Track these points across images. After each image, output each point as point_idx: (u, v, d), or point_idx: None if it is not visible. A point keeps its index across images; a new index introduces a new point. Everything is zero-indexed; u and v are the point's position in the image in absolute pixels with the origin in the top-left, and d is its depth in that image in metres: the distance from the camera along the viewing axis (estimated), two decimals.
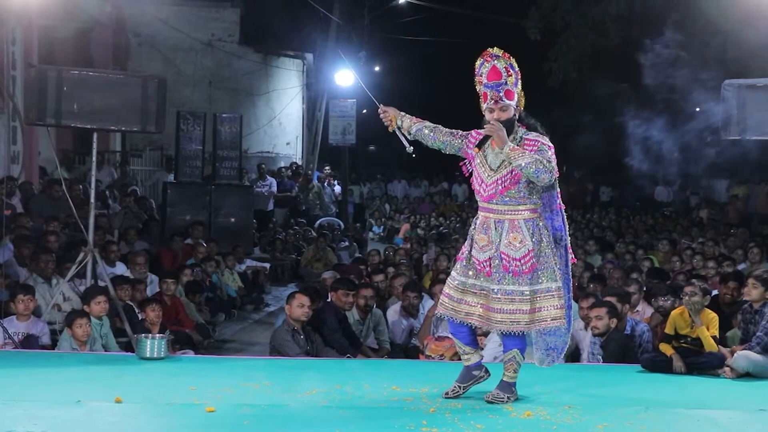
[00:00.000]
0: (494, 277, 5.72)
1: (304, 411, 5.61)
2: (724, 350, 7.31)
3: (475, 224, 5.90)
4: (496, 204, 5.77)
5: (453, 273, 5.93)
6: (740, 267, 12.12)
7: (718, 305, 8.74)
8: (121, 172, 18.35)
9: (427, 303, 9.53)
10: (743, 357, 7.04)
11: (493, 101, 5.75)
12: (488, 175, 5.79)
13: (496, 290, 5.69)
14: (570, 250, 6.01)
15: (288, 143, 25.60)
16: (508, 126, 5.73)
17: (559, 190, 5.94)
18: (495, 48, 5.83)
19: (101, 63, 18.39)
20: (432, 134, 6.03)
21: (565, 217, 5.99)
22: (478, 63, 5.83)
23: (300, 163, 24.28)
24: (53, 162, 12.56)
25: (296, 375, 6.76)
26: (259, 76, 24.39)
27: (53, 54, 16.19)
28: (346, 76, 23.24)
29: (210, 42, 22.80)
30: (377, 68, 29.17)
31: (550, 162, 5.63)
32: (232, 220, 15.66)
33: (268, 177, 19.67)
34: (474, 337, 6.09)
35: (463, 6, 24.65)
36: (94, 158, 9.21)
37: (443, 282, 6.43)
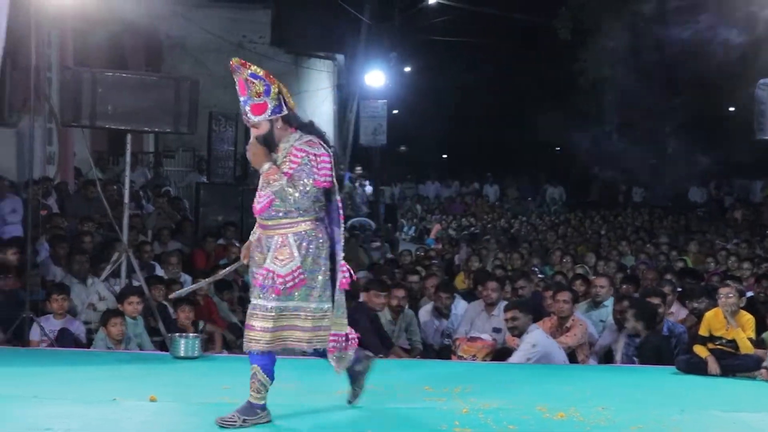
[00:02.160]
0: (252, 291, 5.34)
1: (335, 411, 5.63)
2: (760, 352, 7.25)
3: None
4: (264, 219, 5.33)
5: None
6: None
7: (753, 306, 8.66)
8: (155, 173, 18.46)
9: (459, 303, 9.52)
10: None
11: (244, 118, 5.36)
12: (258, 187, 5.37)
13: (252, 305, 5.28)
14: (343, 270, 5.43)
15: None
16: (268, 141, 5.26)
17: (338, 197, 5.46)
18: (234, 59, 5.37)
19: (134, 65, 18.52)
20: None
21: (340, 230, 5.45)
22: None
23: None
24: (88, 163, 12.66)
25: (327, 375, 6.76)
26: (290, 77, 24.40)
27: (88, 56, 16.31)
28: (376, 77, 23.25)
29: (241, 43, 22.86)
30: (407, 69, 29.16)
31: (297, 188, 5.18)
32: None
33: None
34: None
35: (493, 6, 24.59)
36: (128, 159, 9.28)
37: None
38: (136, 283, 9.00)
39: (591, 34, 25.18)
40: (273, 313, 5.17)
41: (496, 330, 8.64)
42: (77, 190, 14.09)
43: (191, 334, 7.85)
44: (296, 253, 5.20)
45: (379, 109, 22.82)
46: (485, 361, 7.94)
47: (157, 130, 10.57)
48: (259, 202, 5.30)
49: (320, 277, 5.29)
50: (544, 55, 27.46)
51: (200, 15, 21.34)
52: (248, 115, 5.27)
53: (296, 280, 5.18)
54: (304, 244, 5.23)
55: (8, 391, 5.86)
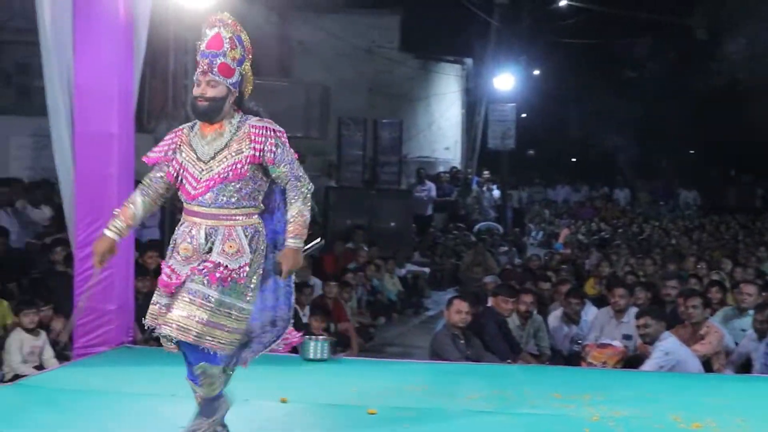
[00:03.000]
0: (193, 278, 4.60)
1: (463, 416, 5.61)
2: None
3: (178, 230, 4.78)
4: (206, 206, 4.66)
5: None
6: None
7: None
8: None
9: (589, 309, 9.37)
10: None
11: (201, 71, 4.64)
12: (201, 170, 4.68)
13: (186, 290, 4.57)
14: None
15: (447, 148, 25.63)
16: (216, 108, 4.66)
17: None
18: (226, 14, 4.75)
19: (266, 71, 18.88)
20: (143, 207, 4.83)
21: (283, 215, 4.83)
22: (204, 28, 4.73)
23: (459, 167, 24.28)
24: None
25: (456, 379, 6.75)
26: (419, 82, 24.51)
27: None
28: (505, 81, 23.10)
29: (370, 49, 23.06)
30: (536, 72, 28.89)
31: (304, 178, 4.74)
32: (392, 224, 15.79)
33: (427, 182, 19.76)
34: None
35: (625, 6, 24.13)
36: None
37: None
38: None
39: (730, 33, 24.46)
40: (212, 305, 4.52)
41: (627, 337, 8.49)
42: None
43: (321, 337, 7.95)
44: (247, 248, 4.64)
45: (507, 112, 22.64)
46: (616, 368, 7.78)
47: (288, 134, 10.74)
48: (198, 187, 4.65)
49: (254, 279, 4.69)
50: (679, 56, 26.86)
51: (330, 21, 21.62)
52: (213, 69, 4.62)
53: (240, 276, 4.60)
54: (255, 238, 4.69)
55: (147, 390, 6.07)
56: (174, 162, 4.76)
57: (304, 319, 8.99)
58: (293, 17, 21.12)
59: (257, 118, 4.80)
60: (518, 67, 23.86)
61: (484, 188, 22.28)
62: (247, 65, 4.80)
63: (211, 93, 4.64)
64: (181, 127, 4.89)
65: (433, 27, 23.37)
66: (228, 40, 4.68)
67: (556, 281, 10.65)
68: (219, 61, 4.64)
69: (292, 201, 4.70)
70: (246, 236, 4.65)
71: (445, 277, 16.01)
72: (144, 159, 4.84)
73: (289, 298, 5.10)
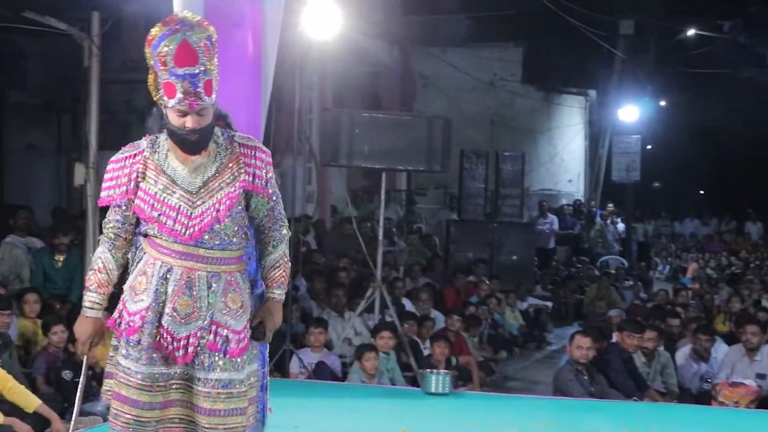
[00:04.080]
0: (203, 359, 3.68)
1: None
2: None
3: (165, 278, 3.71)
4: (206, 248, 3.71)
5: (122, 361, 3.72)
6: None
7: None
8: (407, 210, 18.89)
9: (720, 347, 9.09)
10: None
11: (188, 101, 3.59)
12: (190, 203, 3.69)
13: (207, 380, 3.68)
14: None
15: (570, 180, 25.36)
16: (208, 135, 3.71)
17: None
18: (186, 13, 3.69)
19: (388, 104, 19.10)
20: (117, 267, 3.84)
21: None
22: (155, 32, 3.57)
23: (582, 200, 23.98)
24: (344, 200, 13.16)
25: (580, 416, 6.64)
26: (541, 114, 24.39)
27: (344, 97, 17.01)
28: (630, 112, 22.76)
29: (492, 81, 23.09)
30: (663, 103, 28.36)
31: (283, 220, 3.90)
32: (514, 257, 15.67)
33: (550, 215, 19.56)
34: None
35: (755, 35, 23.50)
36: (382, 197, 9.55)
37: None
38: (388, 319, 9.21)
39: None
40: (243, 388, 3.73)
41: (760, 376, 8.20)
42: (334, 227, 14.64)
43: (442, 371, 7.92)
44: (248, 301, 3.81)
45: (632, 144, 22.25)
46: (749, 408, 7.51)
47: (410, 168, 10.81)
48: (191, 225, 3.68)
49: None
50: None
51: (453, 55, 21.78)
52: (200, 95, 3.60)
53: (247, 339, 3.77)
54: (248, 284, 3.87)
55: (271, 421, 6.15)
56: (141, 194, 3.71)
57: (426, 352, 8.98)
58: (415, 51, 21.35)
59: (239, 133, 3.89)
60: (643, 98, 23.46)
61: (608, 221, 21.92)
62: (216, 59, 3.76)
63: (203, 122, 3.64)
64: (130, 148, 3.82)
65: (555, 59, 23.24)
66: (202, 48, 3.60)
67: (685, 317, 10.38)
68: (203, 81, 3.61)
69: (277, 242, 3.85)
70: (245, 285, 3.82)
71: (568, 312, 15.77)
72: (102, 201, 3.82)
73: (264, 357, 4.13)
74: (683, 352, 9.14)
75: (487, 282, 13.27)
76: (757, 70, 24.20)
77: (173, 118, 3.65)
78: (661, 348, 8.94)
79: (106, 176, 3.83)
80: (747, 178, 32.21)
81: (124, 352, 3.73)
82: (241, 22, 7.06)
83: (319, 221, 14.75)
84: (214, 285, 3.70)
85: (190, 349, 3.65)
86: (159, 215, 3.70)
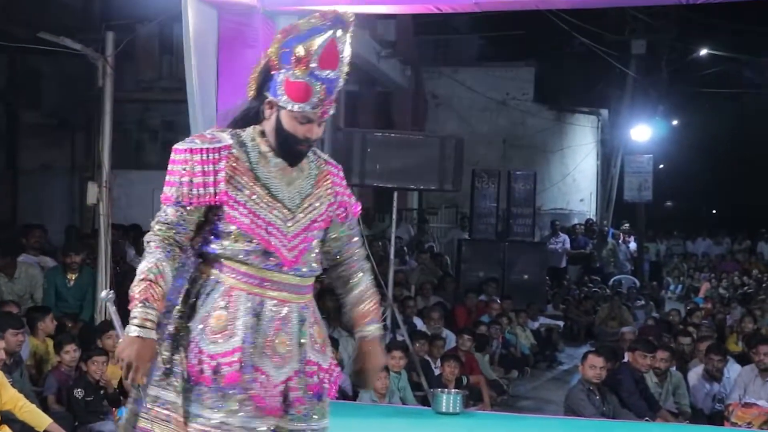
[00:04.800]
0: (300, 409, 3.20)
1: None
2: None
3: (256, 313, 3.14)
4: (300, 275, 3.24)
5: (211, 415, 3.08)
6: None
7: None
8: (419, 229, 18.90)
9: (732, 367, 9.05)
10: None
11: (321, 108, 3.16)
12: (288, 222, 3.21)
13: None
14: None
15: (582, 200, 25.35)
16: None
17: None
18: (342, 7, 3.26)
19: (400, 124, 19.15)
20: (173, 277, 3.14)
21: None
22: (305, 24, 3.11)
23: (594, 219, 23.95)
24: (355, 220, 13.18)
25: None
26: (553, 133, 24.41)
27: (356, 116, 17.06)
28: (642, 132, 22.77)
29: (504, 101, 23.14)
30: (675, 122, 28.37)
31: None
32: (526, 277, 15.64)
33: (561, 234, 19.54)
34: None
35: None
36: (394, 216, 9.58)
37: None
38: (399, 338, 9.21)
39: None
40: None
41: None
42: None
43: (453, 390, 7.92)
44: (326, 333, 3.41)
45: (644, 164, 22.24)
46: (762, 429, 7.47)
47: (422, 187, 10.83)
48: (291, 247, 3.19)
49: None
50: None
51: (465, 74, 21.85)
52: (332, 103, 3.21)
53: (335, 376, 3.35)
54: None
55: None
56: (228, 200, 3.11)
57: (436, 371, 8.97)
58: (428, 71, 21.44)
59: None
60: (655, 118, 23.49)
61: (620, 241, 21.88)
62: None
63: (320, 134, 3.26)
64: (210, 140, 3.17)
65: (567, 79, 23.34)
66: (346, 51, 3.18)
67: (697, 337, 10.34)
68: (336, 89, 3.21)
69: (362, 274, 3.43)
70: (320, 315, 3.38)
71: (580, 331, 15.73)
72: (166, 199, 3.15)
73: None
74: (695, 372, 9.11)
75: (498, 301, 13.25)
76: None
77: (290, 124, 3.15)
78: (674, 368, 8.91)
79: (175, 167, 3.13)
80: (760, 198, 32.13)
81: (212, 403, 3.07)
82: (254, 42, 7.13)
83: None
84: (305, 318, 3.23)
85: (292, 396, 3.15)
86: (260, 232, 3.12)
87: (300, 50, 3.09)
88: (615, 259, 20.89)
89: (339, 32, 3.13)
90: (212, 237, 3.16)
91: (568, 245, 19.40)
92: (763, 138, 30.15)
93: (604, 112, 25.41)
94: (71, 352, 7.29)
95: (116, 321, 3.29)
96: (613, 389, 8.10)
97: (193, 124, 7.14)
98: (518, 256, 15.76)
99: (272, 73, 3.16)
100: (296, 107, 3.12)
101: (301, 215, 3.22)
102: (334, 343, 8.56)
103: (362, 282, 3.40)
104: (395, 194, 9.47)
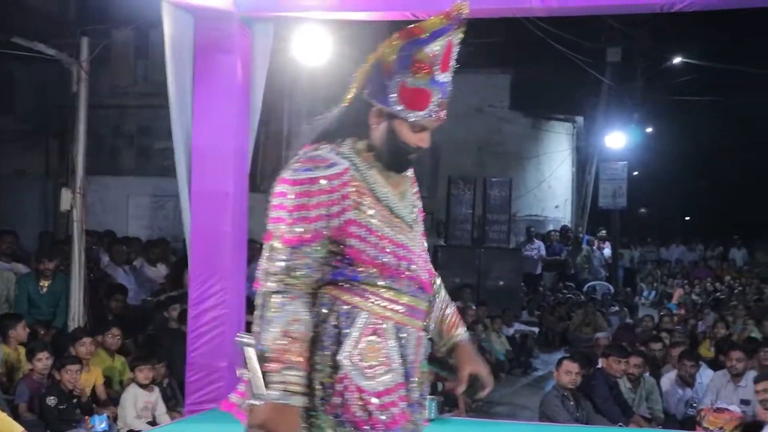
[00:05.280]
0: None
1: None
2: None
3: (401, 343, 2.95)
4: (429, 300, 3.13)
5: None
6: None
7: None
8: None
9: (705, 372, 9.12)
10: None
11: (437, 114, 2.97)
12: (411, 241, 3.01)
13: None
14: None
15: (557, 206, 25.46)
16: None
17: None
18: (465, 5, 2.90)
19: None
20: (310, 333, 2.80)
21: None
22: (431, 25, 2.86)
23: (569, 226, 24.06)
24: None
25: None
26: (529, 140, 24.50)
27: None
28: (617, 139, 22.91)
29: (480, 108, 23.19)
30: (649, 129, 28.55)
31: None
32: (501, 283, 15.71)
33: (537, 240, 19.62)
34: None
35: (743, 63, 23.70)
36: None
37: None
38: None
39: None
40: None
41: (745, 402, 8.21)
42: None
43: (428, 396, 7.91)
44: None
45: (619, 171, 22.40)
46: None
47: None
48: (424, 268, 3.05)
49: None
50: None
51: None
52: (445, 109, 3.00)
53: None
54: None
55: None
56: (361, 230, 2.85)
57: None
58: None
59: None
60: (630, 125, 23.64)
61: (595, 247, 21.99)
62: None
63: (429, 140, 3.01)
64: (328, 164, 2.85)
65: (543, 86, 23.39)
66: (455, 52, 2.95)
67: (670, 343, 10.41)
68: (449, 91, 2.98)
69: (439, 282, 3.29)
70: None
71: (554, 337, 15.79)
72: (288, 240, 2.79)
73: None
74: (668, 378, 9.17)
75: (474, 307, 13.29)
76: (742, 97, 24.39)
77: (406, 133, 2.92)
78: (647, 374, 8.97)
79: (295, 201, 2.82)
80: (732, 205, 32.40)
81: None
82: (230, 48, 7.13)
83: None
84: (424, 345, 3.04)
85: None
86: (395, 258, 2.88)
87: (423, 55, 2.84)
88: (589, 266, 21.00)
89: (456, 32, 2.92)
90: (343, 264, 2.85)
91: (543, 252, 19.48)
92: (737, 146, 30.41)
93: (580, 119, 25.53)
94: (44, 360, 7.24)
95: (253, 367, 2.76)
96: (587, 395, 8.15)
97: (175, 130, 7.12)
98: (494, 263, 15.83)
99: (383, 78, 2.87)
100: (416, 116, 2.89)
101: (418, 228, 3.05)
102: None
103: (442, 289, 3.25)
104: None
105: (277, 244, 2.80)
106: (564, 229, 22.83)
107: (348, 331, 2.82)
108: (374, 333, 2.83)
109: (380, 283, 2.86)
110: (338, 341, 2.82)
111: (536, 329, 15.12)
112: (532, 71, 22.97)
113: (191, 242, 7.21)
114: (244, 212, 7.41)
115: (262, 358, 2.70)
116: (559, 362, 8.20)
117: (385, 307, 2.86)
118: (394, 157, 2.94)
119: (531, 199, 24.22)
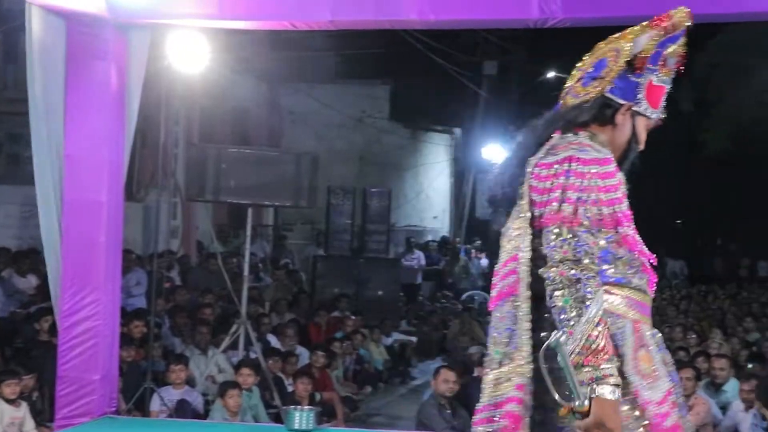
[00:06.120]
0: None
1: None
2: None
3: (660, 348, 2.95)
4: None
5: None
6: None
7: None
8: (276, 245, 18.82)
9: None
10: None
11: (662, 113, 3.01)
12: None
13: None
14: None
15: (435, 217, 25.74)
16: None
17: None
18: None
19: (256, 140, 19.02)
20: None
21: None
22: (679, 22, 2.86)
23: (448, 236, 24.36)
24: (209, 236, 13.01)
25: None
26: (408, 151, 24.73)
27: (211, 132, 16.85)
28: (493, 150, 23.33)
29: (361, 118, 23.28)
30: None
31: None
32: (380, 293, 15.77)
33: (416, 250, 19.80)
34: None
35: None
36: (248, 233, 9.50)
37: None
38: (253, 355, 9.13)
39: (714, 105, 24.83)
40: None
41: None
42: (199, 262, 14.45)
43: (306, 407, 7.90)
44: None
45: None
46: None
47: (277, 204, 10.83)
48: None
49: None
50: (664, 126, 27.11)
51: (321, 91, 21.87)
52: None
53: None
54: None
55: None
56: (628, 221, 2.82)
57: (290, 388, 8.94)
58: (284, 87, 21.38)
59: None
60: (506, 137, 24.07)
61: (472, 257, 22.32)
62: None
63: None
64: (600, 148, 2.84)
65: (422, 97, 23.65)
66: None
67: None
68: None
69: None
70: None
71: (433, 346, 15.92)
72: (580, 223, 2.69)
73: None
74: None
75: (352, 317, 13.31)
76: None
77: (641, 131, 2.96)
78: None
79: (606, 182, 2.72)
80: None
81: None
82: (104, 54, 6.98)
83: (183, 257, 14.53)
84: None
85: None
86: (644, 256, 2.83)
87: (672, 51, 2.84)
88: (467, 275, 21.31)
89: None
90: (601, 262, 2.70)
91: (423, 262, 19.66)
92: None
93: (458, 130, 25.90)
94: None
95: (567, 365, 2.58)
96: (463, 404, 8.24)
97: (36, 137, 6.92)
98: (373, 273, 15.88)
99: (633, 74, 2.87)
100: (654, 114, 2.92)
101: None
102: (183, 360, 8.46)
103: None
104: (250, 210, 9.41)
105: (568, 228, 2.67)
106: (443, 240, 23.11)
107: (622, 338, 2.77)
108: (643, 343, 2.79)
109: (634, 284, 2.81)
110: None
111: (414, 338, 15.22)
112: (412, 82, 23.22)
113: (63, 252, 7.02)
114: (119, 222, 7.26)
115: (581, 353, 2.54)
116: (437, 371, 8.28)
117: (637, 310, 2.81)
118: (625, 154, 2.96)
119: (410, 209, 24.43)
